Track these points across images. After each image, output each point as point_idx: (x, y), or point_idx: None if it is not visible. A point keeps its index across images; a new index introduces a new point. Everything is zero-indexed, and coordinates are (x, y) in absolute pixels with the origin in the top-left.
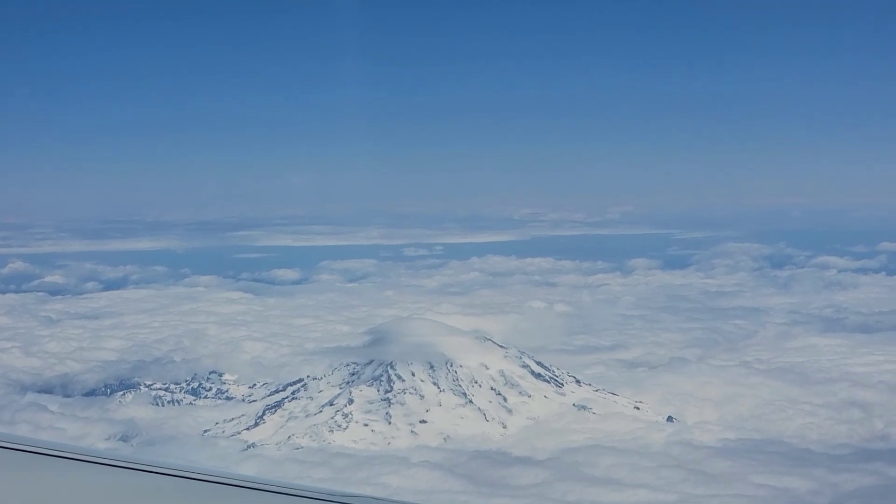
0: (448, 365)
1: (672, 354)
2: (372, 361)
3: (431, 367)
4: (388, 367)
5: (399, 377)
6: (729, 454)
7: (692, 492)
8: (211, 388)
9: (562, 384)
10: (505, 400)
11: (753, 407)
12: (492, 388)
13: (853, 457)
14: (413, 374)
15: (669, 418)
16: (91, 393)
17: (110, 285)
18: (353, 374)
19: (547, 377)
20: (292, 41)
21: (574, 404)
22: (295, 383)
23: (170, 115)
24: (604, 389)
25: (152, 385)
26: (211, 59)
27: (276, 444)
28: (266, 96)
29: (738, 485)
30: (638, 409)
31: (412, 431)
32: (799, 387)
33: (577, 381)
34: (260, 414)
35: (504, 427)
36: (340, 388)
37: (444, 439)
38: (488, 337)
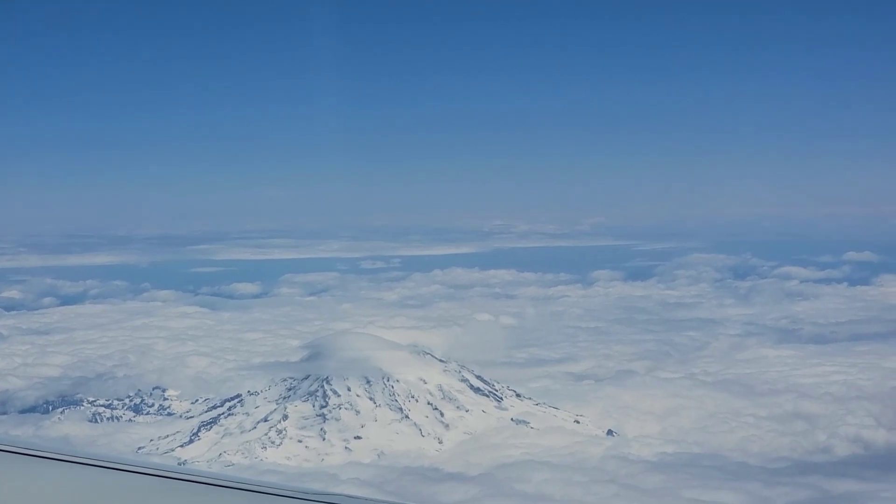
0: (385, 380)
1: (620, 367)
2: (308, 376)
3: (368, 381)
4: (324, 383)
5: (335, 392)
6: (664, 468)
7: None
8: (153, 404)
9: (501, 398)
10: (442, 415)
11: (696, 420)
12: (429, 403)
13: (791, 470)
14: (349, 389)
15: (609, 432)
16: (29, 410)
17: (68, 300)
18: (289, 390)
19: (486, 391)
20: (263, 54)
21: (513, 419)
22: (232, 399)
23: (135, 129)
24: (545, 403)
25: (95, 401)
26: (179, 73)
27: (208, 462)
28: (234, 110)
29: (668, 499)
30: (578, 422)
31: (346, 447)
32: (744, 399)
33: (518, 395)
34: (195, 430)
35: (440, 442)
36: (276, 404)
37: (378, 455)
38: (428, 351)
